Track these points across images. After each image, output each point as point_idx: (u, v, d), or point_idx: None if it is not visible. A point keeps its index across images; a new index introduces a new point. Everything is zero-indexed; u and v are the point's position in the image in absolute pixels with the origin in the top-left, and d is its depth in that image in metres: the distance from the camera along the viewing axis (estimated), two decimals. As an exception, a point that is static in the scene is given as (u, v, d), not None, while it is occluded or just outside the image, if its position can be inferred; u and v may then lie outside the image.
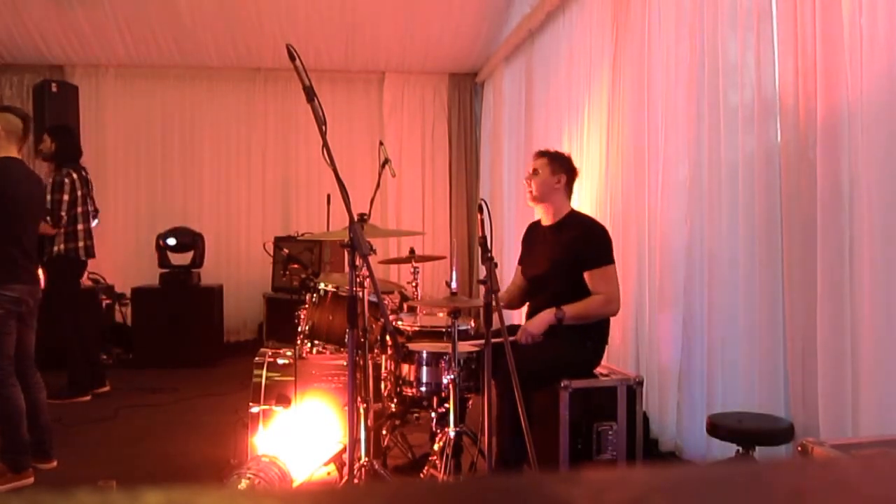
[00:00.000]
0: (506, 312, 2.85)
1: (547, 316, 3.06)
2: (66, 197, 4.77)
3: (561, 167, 3.29)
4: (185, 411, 4.71)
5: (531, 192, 3.29)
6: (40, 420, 3.49)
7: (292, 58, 2.14)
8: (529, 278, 3.36)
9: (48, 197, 4.68)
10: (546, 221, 3.33)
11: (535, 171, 3.28)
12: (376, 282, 2.46)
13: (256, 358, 3.32)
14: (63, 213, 4.76)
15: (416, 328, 3.47)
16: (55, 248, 4.81)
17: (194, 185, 7.41)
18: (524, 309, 3.53)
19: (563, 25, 5.21)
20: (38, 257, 3.79)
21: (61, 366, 4.83)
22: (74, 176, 4.85)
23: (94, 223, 5.11)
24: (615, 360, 3.68)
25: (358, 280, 2.52)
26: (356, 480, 2.64)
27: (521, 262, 3.49)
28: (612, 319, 3.33)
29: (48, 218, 4.65)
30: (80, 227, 4.91)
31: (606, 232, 3.26)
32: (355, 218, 2.35)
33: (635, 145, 3.95)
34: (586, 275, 3.12)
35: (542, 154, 3.35)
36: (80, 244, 4.92)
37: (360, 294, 2.68)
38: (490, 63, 7.17)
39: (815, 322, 2.56)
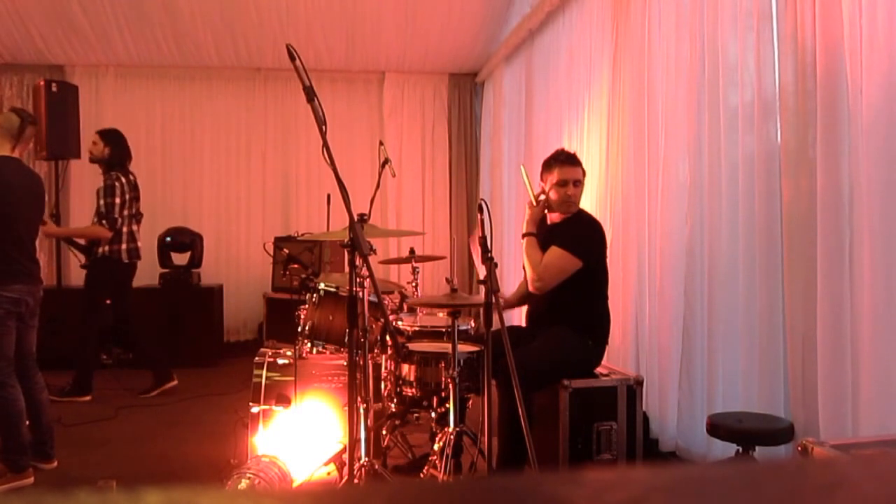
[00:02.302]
0: (506, 312, 2.85)
1: (528, 224, 3.28)
2: (118, 200, 4.90)
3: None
4: (185, 411, 4.71)
5: (576, 203, 3.26)
6: (42, 420, 3.49)
7: (292, 58, 2.15)
8: None
9: (100, 201, 4.88)
10: (554, 219, 3.34)
11: (577, 183, 3.26)
12: (376, 282, 2.46)
13: (256, 358, 3.32)
14: (117, 216, 4.89)
15: (416, 328, 3.47)
16: (100, 250, 4.92)
17: (194, 185, 7.40)
18: (524, 309, 3.54)
19: (562, 25, 5.21)
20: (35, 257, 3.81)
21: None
22: (123, 180, 4.97)
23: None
24: (615, 360, 3.68)
25: (358, 280, 2.52)
26: (356, 480, 2.64)
27: None
28: (612, 319, 3.34)
29: (104, 221, 4.82)
30: (125, 229, 5.00)
31: (596, 231, 3.28)
32: (355, 218, 2.35)
33: (635, 145, 3.95)
34: (550, 248, 3.16)
35: (579, 163, 3.31)
36: (124, 246, 5.00)
37: (360, 294, 2.68)
38: (490, 63, 7.17)
39: (815, 322, 2.56)
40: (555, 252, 3.15)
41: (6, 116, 3.46)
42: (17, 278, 3.34)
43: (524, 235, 3.29)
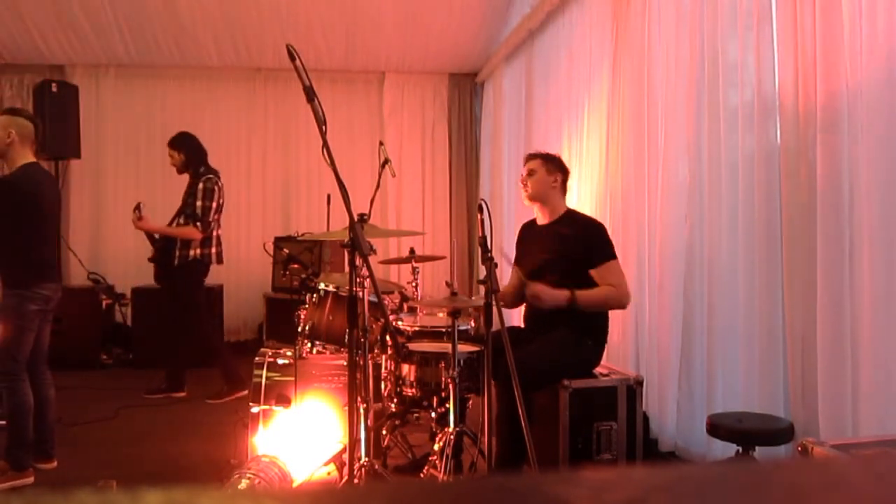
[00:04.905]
0: (505, 313, 2.85)
1: (560, 294, 3.06)
2: (214, 204, 4.92)
3: (555, 167, 3.36)
4: (185, 411, 4.71)
5: (528, 191, 3.33)
6: (47, 418, 3.51)
7: (292, 58, 2.14)
8: (526, 274, 3.36)
9: (197, 202, 4.86)
10: (542, 220, 3.35)
11: (531, 172, 3.32)
12: (376, 282, 2.46)
13: (256, 358, 3.32)
14: (210, 220, 4.90)
15: (416, 328, 3.47)
16: (191, 252, 4.91)
17: (194, 184, 7.39)
18: (522, 309, 3.53)
19: (563, 25, 5.21)
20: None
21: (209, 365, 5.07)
22: (220, 184, 4.99)
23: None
24: (615, 360, 3.68)
25: (358, 280, 2.52)
26: (356, 480, 2.64)
27: (516, 262, 3.49)
28: (611, 319, 3.34)
29: (197, 223, 4.82)
30: (215, 233, 5.03)
31: (605, 228, 3.30)
32: (355, 218, 2.35)
33: (635, 145, 3.95)
34: (593, 273, 3.14)
35: (535, 156, 3.40)
36: (214, 250, 5.04)
37: (360, 294, 2.67)
38: (490, 63, 7.17)
39: (815, 322, 2.56)
40: (610, 267, 3.16)
41: (18, 122, 3.42)
42: (50, 277, 3.45)
43: (568, 300, 3.07)
